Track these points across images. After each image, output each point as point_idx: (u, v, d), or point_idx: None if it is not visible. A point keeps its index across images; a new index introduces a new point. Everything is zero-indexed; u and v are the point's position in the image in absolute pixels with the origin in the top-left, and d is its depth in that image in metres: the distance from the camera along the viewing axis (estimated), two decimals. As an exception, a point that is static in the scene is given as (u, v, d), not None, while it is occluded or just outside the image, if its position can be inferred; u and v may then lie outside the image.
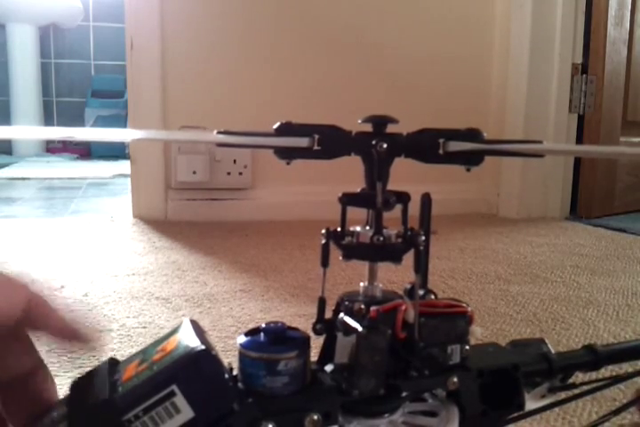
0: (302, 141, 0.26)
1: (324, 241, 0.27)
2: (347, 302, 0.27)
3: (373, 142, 0.27)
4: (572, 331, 0.85)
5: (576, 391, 0.33)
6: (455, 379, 0.27)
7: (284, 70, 1.75)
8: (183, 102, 1.69)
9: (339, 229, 0.27)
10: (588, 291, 1.05)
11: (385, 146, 0.26)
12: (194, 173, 1.66)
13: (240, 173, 1.72)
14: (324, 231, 0.27)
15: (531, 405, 0.31)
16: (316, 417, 0.24)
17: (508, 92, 1.88)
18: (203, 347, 0.23)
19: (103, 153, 4.03)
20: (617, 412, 0.35)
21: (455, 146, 0.27)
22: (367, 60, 1.80)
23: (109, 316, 0.90)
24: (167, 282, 1.08)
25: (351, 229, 0.27)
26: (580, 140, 1.92)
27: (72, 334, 0.26)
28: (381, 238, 0.27)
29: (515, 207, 1.88)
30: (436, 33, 1.86)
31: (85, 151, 4.16)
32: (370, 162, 0.27)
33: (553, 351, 0.32)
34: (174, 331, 0.25)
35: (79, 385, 0.25)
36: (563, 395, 0.33)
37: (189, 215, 1.70)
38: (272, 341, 0.24)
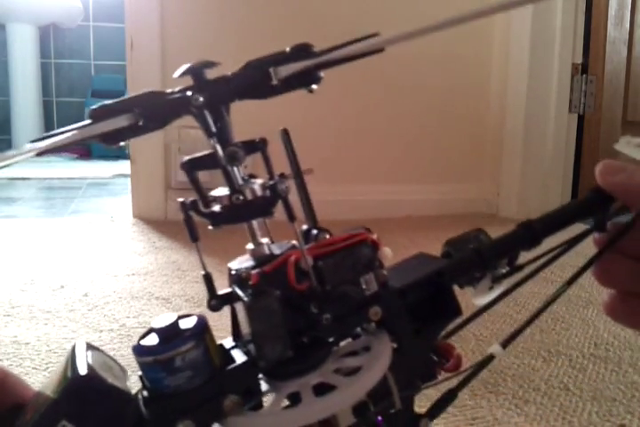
0: (122, 120, 0.23)
1: (183, 215, 0.25)
2: (233, 271, 0.26)
3: (189, 97, 0.24)
4: (572, 331, 0.85)
5: (523, 274, 0.31)
6: (377, 308, 0.26)
7: (284, 70, 1.75)
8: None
9: (196, 198, 0.25)
10: (588, 291, 1.05)
11: (200, 98, 0.24)
12: (194, 173, 1.66)
13: (240, 173, 1.72)
14: (179, 203, 0.25)
15: (481, 300, 0.30)
16: (234, 399, 0.23)
17: (508, 92, 1.88)
18: (80, 374, 0.22)
19: (103, 153, 4.03)
20: (570, 282, 0.34)
21: (286, 70, 0.24)
22: (367, 60, 1.80)
23: (109, 316, 0.90)
24: (167, 282, 1.07)
25: (211, 194, 0.26)
26: (579, 140, 1.92)
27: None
28: (240, 197, 0.25)
29: (515, 207, 1.88)
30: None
31: (85, 151, 4.16)
32: (198, 118, 0.25)
33: (491, 238, 0.30)
34: (65, 360, 0.24)
35: None
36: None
37: (189, 215, 1.70)
38: (163, 339, 0.23)
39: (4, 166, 0.23)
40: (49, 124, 4.36)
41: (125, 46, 1.67)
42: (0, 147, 4.12)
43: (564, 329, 0.86)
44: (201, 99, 0.24)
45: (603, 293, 0.32)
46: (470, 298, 0.30)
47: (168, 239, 1.44)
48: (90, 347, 0.24)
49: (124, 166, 2.70)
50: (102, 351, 0.25)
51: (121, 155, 3.71)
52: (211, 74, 0.25)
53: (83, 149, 4.19)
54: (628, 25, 1.94)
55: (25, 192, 2.42)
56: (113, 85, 4.23)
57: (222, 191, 0.26)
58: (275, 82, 0.24)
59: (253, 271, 0.25)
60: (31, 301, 0.96)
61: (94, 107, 0.23)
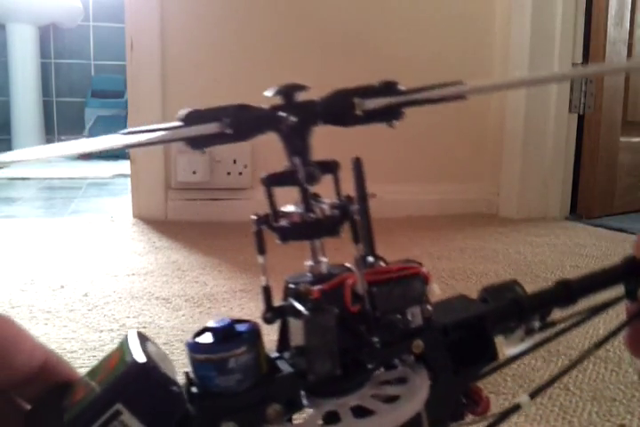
0: (212, 127, 0.24)
1: (255, 228, 0.26)
2: (291, 285, 0.26)
3: (282, 116, 0.25)
4: (572, 331, 0.85)
5: (553, 330, 0.32)
6: (419, 342, 0.27)
7: (284, 71, 1.75)
8: (183, 102, 1.69)
9: (269, 212, 0.26)
10: (588, 291, 1.05)
11: (294, 118, 0.25)
12: (194, 173, 1.66)
13: (240, 173, 1.72)
14: (254, 218, 0.26)
15: (511, 350, 0.30)
16: (277, 407, 0.24)
17: (509, 92, 1.87)
18: (140, 360, 0.22)
19: (103, 153, 4.03)
20: (599, 345, 0.34)
21: (371, 103, 0.25)
22: (367, 61, 1.80)
23: (109, 316, 0.90)
24: (167, 282, 1.08)
25: (283, 209, 0.26)
26: (579, 141, 1.92)
27: (43, 364, 0.26)
28: (312, 215, 0.26)
29: (515, 207, 1.88)
30: (435, 33, 1.86)
31: (85, 151, 4.16)
32: (285, 137, 0.26)
33: (527, 292, 0.31)
34: (119, 346, 0.25)
35: (30, 414, 0.25)
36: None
37: (189, 215, 1.70)
38: (219, 339, 0.24)
39: (93, 152, 0.23)
40: (49, 125, 4.36)
41: (125, 46, 1.67)
42: (0, 147, 4.12)
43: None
44: (294, 119, 0.25)
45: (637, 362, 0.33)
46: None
47: (168, 239, 1.44)
48: (143, 337, 0.25)
49: (124, 166, 2.70)
50: (155, 343, 0.25)
51: (120, 155, 3.71)
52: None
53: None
54: (627, 25, 1.94)
55: (25, 192, 2.42)
56: (113, 86, 4.23)
57: (291, 208, 0.26)
58: (358, 112, 0.25)
59: (315, 287, 0.25)
60: (31, 301, 0.96)
61: (186, 110, 0.24)
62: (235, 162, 1.71)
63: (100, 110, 4.20)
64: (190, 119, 0.24)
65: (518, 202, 1.88)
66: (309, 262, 0.27)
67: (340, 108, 0.26)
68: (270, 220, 0.26)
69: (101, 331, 0.83)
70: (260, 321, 0.26)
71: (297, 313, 0.25)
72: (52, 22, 4.24)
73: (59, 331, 0.83)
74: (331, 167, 0.26)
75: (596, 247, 1.43)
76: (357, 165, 0.28)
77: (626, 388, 0.66)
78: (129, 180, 1.76)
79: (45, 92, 4.33)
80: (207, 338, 0.24)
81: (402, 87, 0.25)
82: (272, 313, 0.26)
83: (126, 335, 0.25)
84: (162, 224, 1.62)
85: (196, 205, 1.72)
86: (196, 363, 0.24)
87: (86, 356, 0.75)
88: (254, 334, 0.24)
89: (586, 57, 1.88)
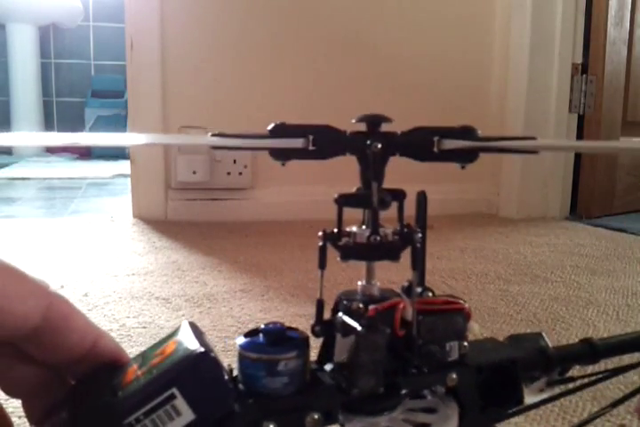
0: (297, 142, 0.26)
1: (321, 243, 0.27)
2: (345, 302, 0.27)
3: (368, 142, 0.27)
4: (572, 331, 0.85)
5: (574, 385, 0.34)
6: (454, 375, 0.28)
7: (284, 70, 1.75)
8: (183, 102, 1.69)
9: (335, 230, 0.27)
10: (588, 291, 1.05)
11: (379, 146, 0.27)
12: (194, 173, 1.66)
13: (240, 173, 1.72)
14: (320, 233, 0.27)
15: (529, 399, 0.31)
16: (316, 416, 0.24)
17: (508, 92, 1.88)
18: (202, 349, 0.23)
19: (103, 153, 4.03)
20: (615, 405, 0.35)
21: (450, 144, 0.27)
22: (367, 60, 1.80)
23: (109, 316, 0.90)
24: (167, 282, 1.08)
25: (348, 229, 0.28)
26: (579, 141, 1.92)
27: (94, 344, 0.26)
28: (378, 238, 0.27)
29: (515, 207, 1.88)
30: (435, 33, 1.86)
31: (85, 151, 4.16)
32: (365, 161, 0.28)
33: (551, 345, 0.32)
34: (173, 334, 0.25)
35: (78, 390, 0.25)
36: (559, 389, 0.34)
37: (189, 215, 1.70)
38: (271, 341, 0.25)
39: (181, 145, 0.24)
40: (49, 124, 4.36)
41: (125, 46, 1.67)
42: (0, 147, 4.12)
43: (563, 329, 0.86)
44: (379, 145, 0.27)
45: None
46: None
47: (168, 239, 1.44)
48: (197, 329, 0.25)
49: (124, 166, 2.70)
50: (205, 334, 0.26)
51: (120, 155, 3.71)
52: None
53: (83, 149, 4.19)
54: (628, 25, 1.94)
55: (25, 192, 2.42)
56: (113, 85, 4.23)
57: (355, 228, 0.28)
58: (435, 150, 0.27)
59: (371, 306, 0.26)
60: (31, 301, 0.96)
61: (275, 123, 0.26)
62: (235, 162, 1.71)
63: (100, 110, 4.20)
64: (277, 132, 0.26)
65: (518, 202, 1.88)
66: (362, 282, 0.28)
67: (420, 144, 0.28)
68: (335, 237, 0.27)
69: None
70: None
71: (347, 329, 0.26)
72: (52, 22, 4.24)
73: (59, 331, 0.83)
74: (398, 196, 0.28)
75: (596, 247, 1.43)
76: (422, 198, 0.30)
77: (626, 388, 0.66)
78: (129, 180, 1.76)
79: (45, 92, 4.33)
80: (259, 339, 0.25)
81: (479, 133, 0.27)
82: (321, 327, 0.27)
83: (180, 325, 0.25)
84: (162, 224, 1.62)
85: (196, 205, 1.72)
86: (246, 361, 0.24)
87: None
88: (304, 342, 0.25)
89: (586, 57, 1.88)
